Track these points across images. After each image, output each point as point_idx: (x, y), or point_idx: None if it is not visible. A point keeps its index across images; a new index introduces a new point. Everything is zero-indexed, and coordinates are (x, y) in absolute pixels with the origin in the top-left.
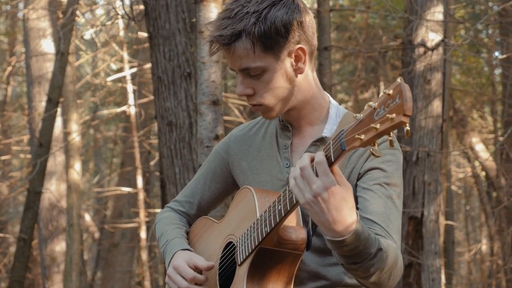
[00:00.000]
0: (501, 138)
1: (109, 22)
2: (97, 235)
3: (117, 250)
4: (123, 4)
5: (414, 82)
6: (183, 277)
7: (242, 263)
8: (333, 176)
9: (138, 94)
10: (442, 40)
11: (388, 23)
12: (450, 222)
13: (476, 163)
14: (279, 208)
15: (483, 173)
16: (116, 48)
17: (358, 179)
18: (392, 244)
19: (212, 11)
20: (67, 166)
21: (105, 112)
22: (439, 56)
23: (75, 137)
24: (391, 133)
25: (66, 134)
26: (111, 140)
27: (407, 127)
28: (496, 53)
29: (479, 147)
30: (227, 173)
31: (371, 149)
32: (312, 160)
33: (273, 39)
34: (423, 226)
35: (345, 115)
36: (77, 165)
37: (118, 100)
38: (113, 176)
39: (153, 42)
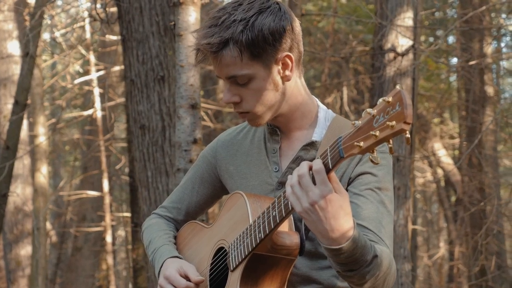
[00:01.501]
0: (464, 143)
1: (78, 24)
2: (54, 238)
3: (80, 254)
4: (95, 7)
5: (384, 87)
6: (175, 287)
7: (235, 268)
8: (330, 184)
9: (105, 97)
10: (412, 46)
11: (353, 28)
12: (416, 227)
13: (439, 169)
14: (274, 214)
15: (442, 179)
16: (83, 51)
17: (349, 184)
18: (386, 250)
19: (191, 15)
20: (34, 169)
21: (71, 115)
22: (409, 62)
23: (43, 140)
24: (390, 140)
25: (32, 137)
26: (72, 143)
27: (407, 135)
28: (456, 59)
29: (441, 153)
30: (215, 178)
31: (370, 156)
32: (311, 168)
33: (260, 47)
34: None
35: (334, 119)
36: (43, 169)
37: (79, 103)
38: (78, 180)
39: (126, 45)
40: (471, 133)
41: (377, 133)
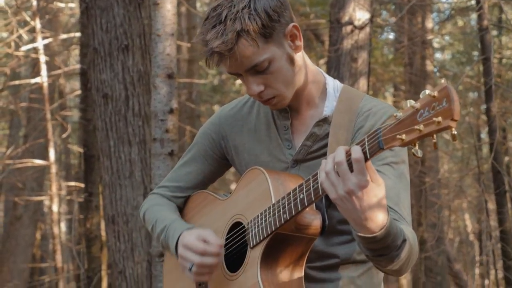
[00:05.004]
0: None
1: None
2: None
3: (19, 223)
4: None
5: (341, 60)
6: (194, 252)
7: (255, 246)
8: (368, 174)
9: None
10: (370, 19)
11: (297, 1)
12: None
13: None
14: (301, 197)
15: None
16: (27, 18)
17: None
18: (410, 230)
19: None
20: None
21: (16, 82)
22: (366, 35)
23: None
24: (434, 135)
25: None
26: (6, 111)
27: (454, 132)
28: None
29: None
30: (220, 155)
31: (413, 150)
32: (347, 154)
33: (270, 27)
34: None
35: (343, 90)
36: None
37: (7, 73)
38: (23, 148)
39: (90, 13)
40: None
41: (422, 127)
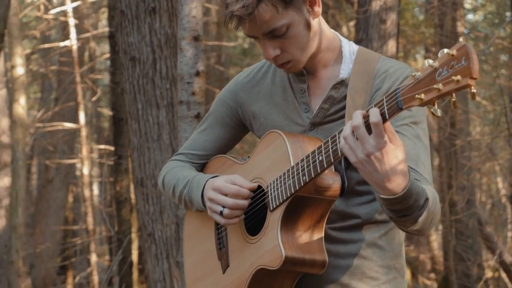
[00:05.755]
0: None
1: None
2: None
3: (51, 186)
4: None
5: (369, 22)
6: (226, 194)
7: (275, 209)
8: (387, 136)
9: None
10: None
11: None
12: None
13: None
14: (320, 159)
15: None
16: None
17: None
18: (431, 189)
19: None
20: (12, 100)
21: (47, 45)
22: None
23: (21, 72)
24: (453, 94)
25: (7, 67)
26: (36, 75)
27: (473, 90)
28: None
29: None
30: (237, 122)
31: (432, 110)
32: (364, 116)
33: None
34: None
35: (359, 52)
36: (22, 100)
37: (37, 37)
38: (54, 111)
39: None
40: None
41: (440, 86)
